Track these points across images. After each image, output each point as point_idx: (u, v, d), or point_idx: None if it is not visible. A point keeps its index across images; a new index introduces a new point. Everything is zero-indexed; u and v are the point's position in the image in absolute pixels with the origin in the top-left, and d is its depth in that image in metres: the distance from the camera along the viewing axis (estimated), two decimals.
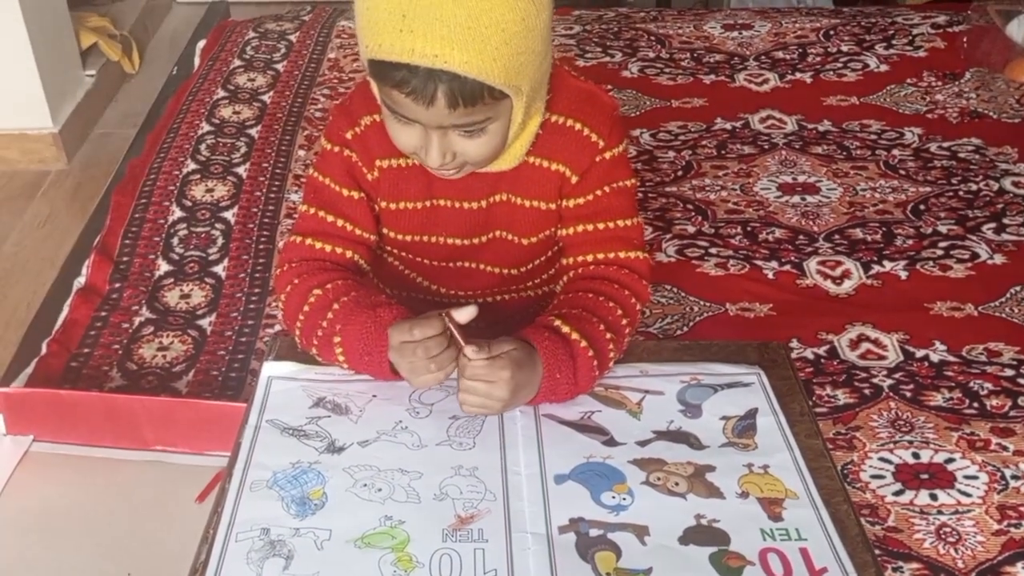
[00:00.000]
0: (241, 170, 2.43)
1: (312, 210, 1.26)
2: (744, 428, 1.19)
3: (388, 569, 0.99)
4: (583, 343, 1.14)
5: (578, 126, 1.21)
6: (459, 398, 1.14)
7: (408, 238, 1.31)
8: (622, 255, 1.25)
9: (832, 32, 3.16)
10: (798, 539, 1.03)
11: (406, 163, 1.23)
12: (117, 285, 2.02)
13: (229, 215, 2.24)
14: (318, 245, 1.26)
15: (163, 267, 2.09)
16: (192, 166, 2.45)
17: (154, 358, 1.84)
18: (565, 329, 1.15)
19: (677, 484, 1.10)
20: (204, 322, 1.93)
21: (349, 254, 1.27)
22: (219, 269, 2.08)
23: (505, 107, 1.09)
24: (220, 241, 2.16)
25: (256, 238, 2.16)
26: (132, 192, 2.35)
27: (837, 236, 2.20)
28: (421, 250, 1.33)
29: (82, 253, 2.17)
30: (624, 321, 1.21)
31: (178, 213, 2.26)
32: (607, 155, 1.23)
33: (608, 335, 1.17)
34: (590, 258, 1.26)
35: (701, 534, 1.04)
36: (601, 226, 1.24)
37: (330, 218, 1.26)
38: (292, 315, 1.24)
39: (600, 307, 1.20)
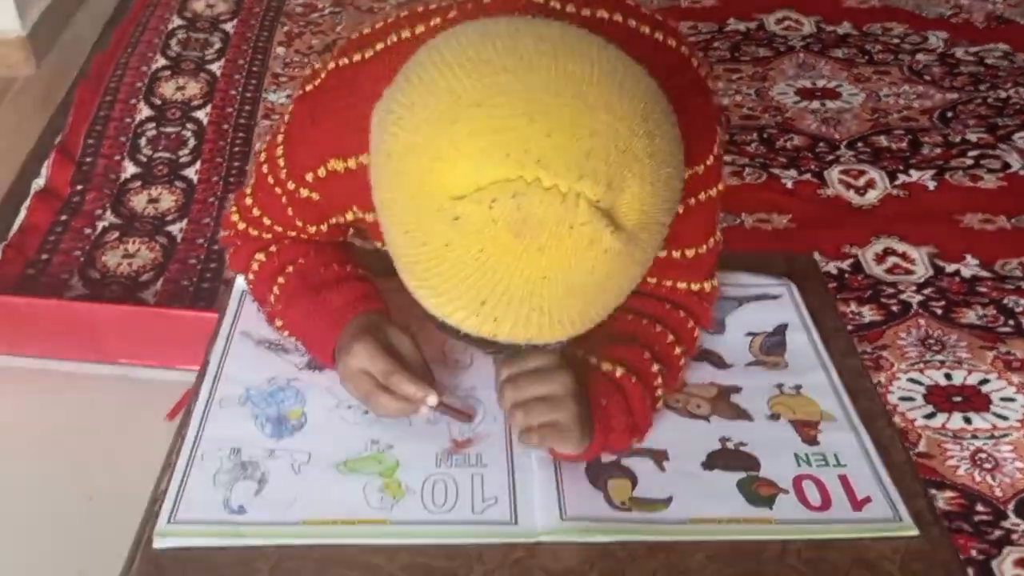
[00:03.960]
0: (215, 67, 2.29)
1: (258, 213, 1.04)
2: (772, 345, 1.09)
3: (374, 496, 0.89)
4: (619, 371, 0.92)
5: None
6: (516, 433, 0.92)
7: None
8: (681, 286, 1.00)
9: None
10: (836, 465, 0.93)
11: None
12: (79, 188, 1.89)
13: (201, 115, 2.10)
14: (254, 233, 1.07)
15: (130, 169, 1.96)
16: (162, 62, 2.31)
17: (119, 266, 1.72)
18: (593, 360, 0.93)
19: (699, 406, 1.00)
20: (174, 228, 1.81)
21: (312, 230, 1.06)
22: (190, 172, 1.96)
23: None
24: (192, 142, 2.03)
25: (231, 140, 2.03)
26: (97, 89, 2.20)
27: (860, 144, 2.09)
28: None
29: (42, 154, 2.03)
30: (677, 350, 0.98)
31: (146, 112, 2.13)
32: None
33: (654, 367, 0.94)
34: (651, 279, 0.99)
35: (727, 458, 0.94)
36: (663, 253, 0.93)
37: (280, 229, 1.06)
38: (242, 270, 1.09)
39: (645, 332, 0.97)
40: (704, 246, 0.97)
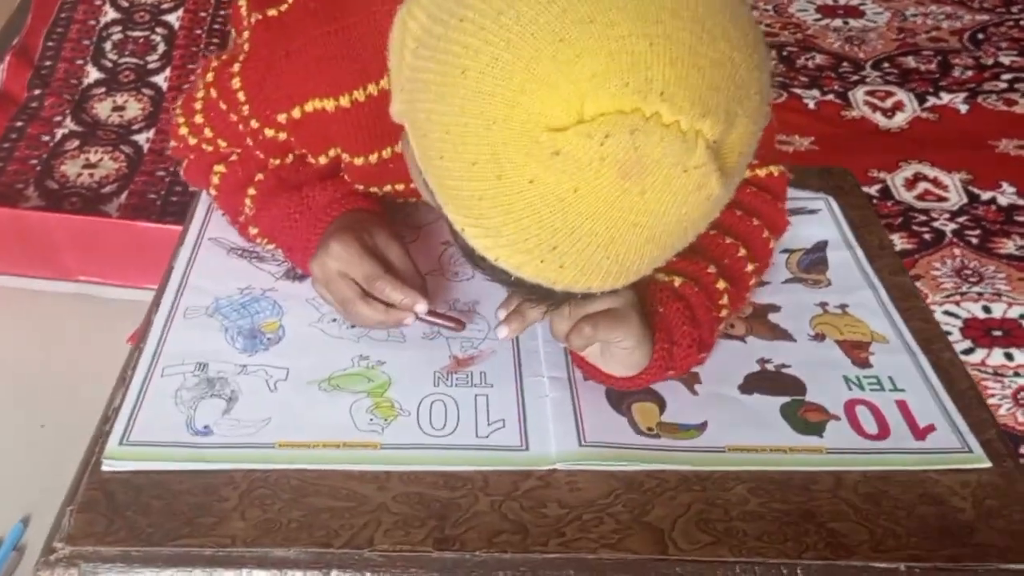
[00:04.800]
0: None
1: (211, 134, 0.93)
2: (812, 263, 0.98)
3: (362, 417, 0.78)
4: (677, 280, 0.81)
5: None
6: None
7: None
8: (751, 172, 0.89)
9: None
10: (893, 389, 0.83)
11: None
12: (37, 92, 1.76)
13: (172, 19, 1.96)
14: (208, 149, 0.95)
15: (93, 74, 1.82)
16: None
17: (79, 176, 1.59)
18: (666, 279, 0.81)
19: (733, 326, 0.89)
20: (140, 138, 1.67)
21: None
22: (159, 79, 1.82)
23: None
24: (161, 47, 1.89)
25: (204, 45, 1.89)
26: None
27: (886, 64, 1.97)
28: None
29: None
30: (748, 267, 0.86)
31: (112, 14, 1.98)
32: None
33: (720, 283, 0.82)
34: None
35: (768, 381, 0.83)
36: None
37: (224, 146, 0.95)
38: (201, 183, 0.98)
39: (712, 245, 0.84)
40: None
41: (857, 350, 0.87)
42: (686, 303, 0.80)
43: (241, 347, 0.85)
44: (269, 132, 0.86)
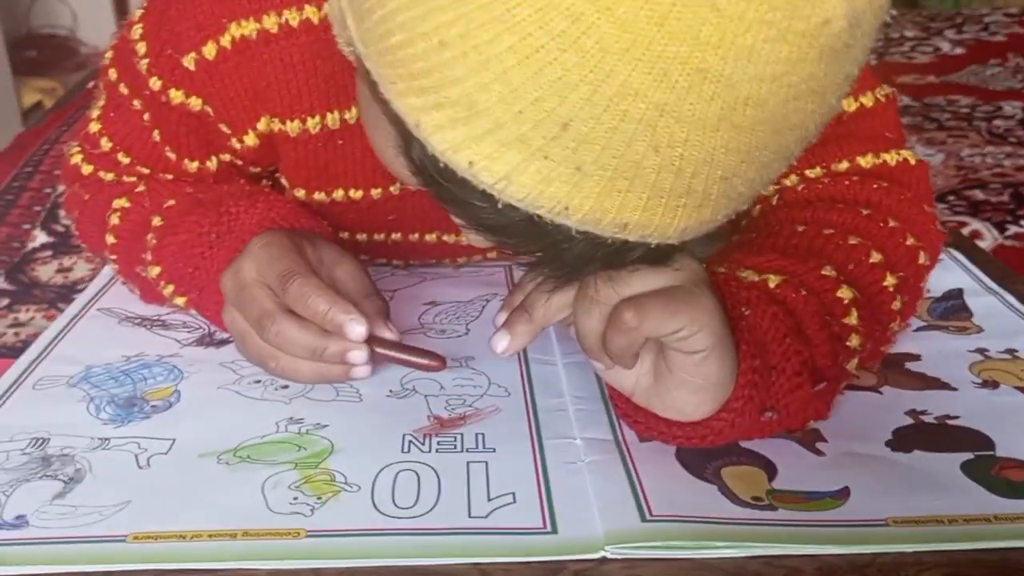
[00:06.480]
0: None
1: (109, 146, 0.69)
2: (950, 310, 0.72)
3: (281, 496, 0.49)
4: (772, 280, 0.53)
5: None
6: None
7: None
8: (866, 162, 0.64)
9: (891, 21, 2.82)
10: None
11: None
12: None
13: None
14: (108, 177, 0.71)
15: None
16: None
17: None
18: (722, 271, 0.55)
19: (858, 377, 0.60)
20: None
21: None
22: None
23: None
24: None
25: None
26: (15, 161, 1.89)
27: (951, 197, 1.75)
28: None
29: None
30: (889, 279, 0.58)
31: None
32: None
33: (844, 292, 0.54)
34: (813, 172, 0.64)
35: (931, 436, 0.54)
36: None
37: (145, 171, 0.70)
38: (96, 234, 0.71)
39: (829, 245, 0.58)
40: (880, 91, 0.66)
41: None
42: (786, 308, 0.52)
43: (108, 417, 0.56)
44: (175, 95, 0.61)
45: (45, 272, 1.56)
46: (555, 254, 0.42)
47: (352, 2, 0.42)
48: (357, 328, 0.53)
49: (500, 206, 0.39)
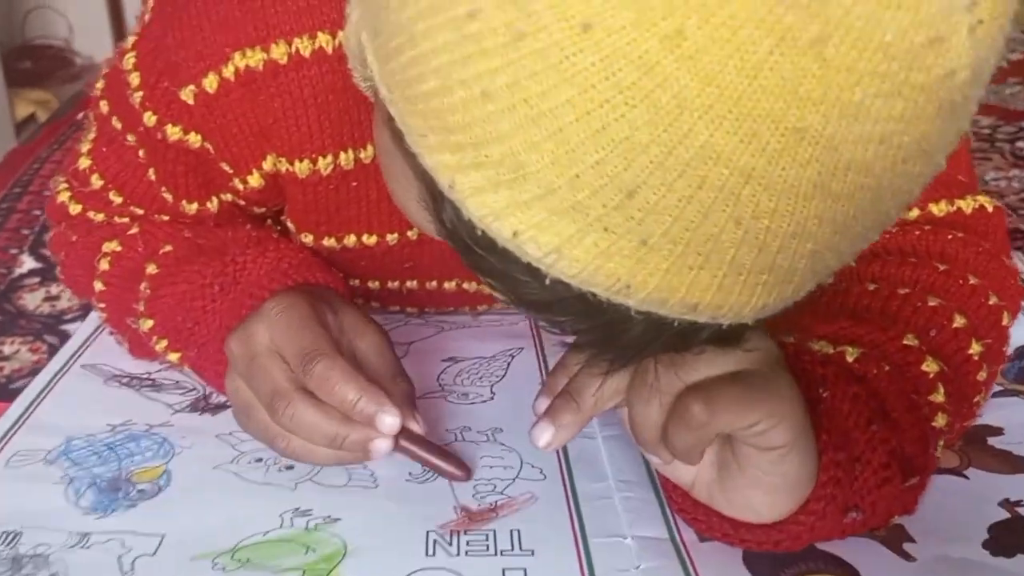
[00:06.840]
0: None
1: (100, 184, 0.63)
2: (1021, 371, 0.64)
3: None
4: (851, 353, 0.48)
5: None
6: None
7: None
8: (939, 210, 0.58)
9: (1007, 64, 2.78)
10: None
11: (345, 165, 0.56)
12: None
13: None
14: (99, 218, 0.65)
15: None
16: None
17: None
18: (792, 341, 0.49)
19: (938, 456, 0.53)
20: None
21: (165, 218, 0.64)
22: None
23: None
24: None
25: None
26: (4, 182, 1.82)
27: None
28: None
29: None
30: (974, 347, 0.52)
31: None
32: None
33: (928, 365, 0.48)
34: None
35: None
36: None
37: (139, 211, 0.64)
38: (83, 279, 0.65)
39: (906, 307, 0.52)
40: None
41: None
42: (868, 388, 0.45)
43: (89, 505, 0.50)
44: (172, 131, 0.54)
45: (32, 300, 1.49)
46: (610, 336, 0.36)
47: (375, 38, 0.35)
48: (389, 421, 0.46)
49: (548, 282, 0.33)
